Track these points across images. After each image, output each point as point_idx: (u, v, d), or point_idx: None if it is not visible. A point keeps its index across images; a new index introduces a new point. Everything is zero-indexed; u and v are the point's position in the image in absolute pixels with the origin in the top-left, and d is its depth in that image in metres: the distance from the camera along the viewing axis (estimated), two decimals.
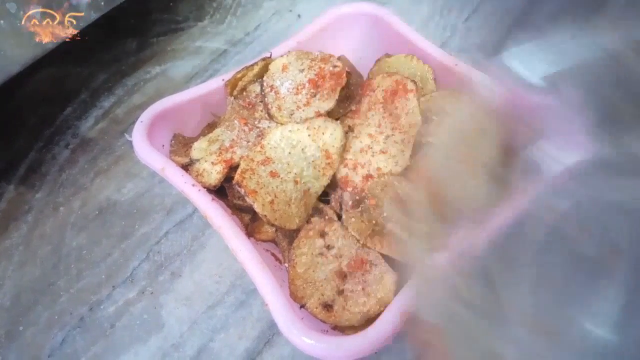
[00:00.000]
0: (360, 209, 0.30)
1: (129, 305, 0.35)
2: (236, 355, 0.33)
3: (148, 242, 0.39)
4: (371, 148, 0.32)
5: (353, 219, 0.30)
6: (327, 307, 0.27)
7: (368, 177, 0.31)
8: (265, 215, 0.29)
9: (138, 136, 0.33)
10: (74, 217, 0.41)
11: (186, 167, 0.33)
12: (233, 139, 0.33)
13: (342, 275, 0.28)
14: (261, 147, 0.31)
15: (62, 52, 0.44)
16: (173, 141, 0.35)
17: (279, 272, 0.29)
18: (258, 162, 0.31)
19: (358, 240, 0.29)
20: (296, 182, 0.30)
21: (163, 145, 0.34)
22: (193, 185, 0.30)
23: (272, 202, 0.29)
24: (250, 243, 0.28)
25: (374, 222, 0.30)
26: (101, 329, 0.34)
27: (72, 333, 0.34)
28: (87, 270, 0.38)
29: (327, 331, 0.27)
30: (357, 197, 0.31)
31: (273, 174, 0.30)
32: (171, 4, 0.59)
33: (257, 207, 0.29)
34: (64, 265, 0.38)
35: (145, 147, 0.32)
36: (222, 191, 0.33)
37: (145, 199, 0.42)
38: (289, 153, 0.31)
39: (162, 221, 0.40)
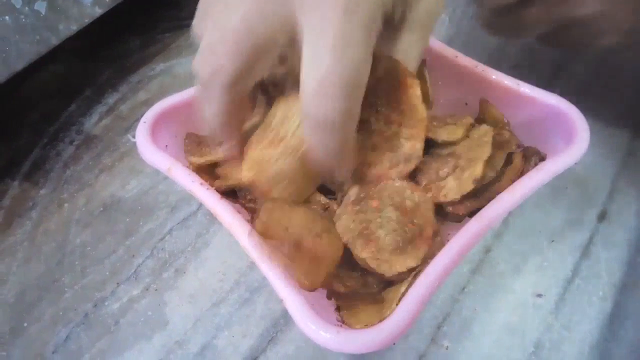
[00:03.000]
0: (358, 207, 0.30)
1: (133, 302, 0.35)
2: (240, 352, 0.33)
3: (152, 239, 0.39)
4: (381, 144, 0.32)
5: (344, 216, 0.29)
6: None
7: (380, 176, 0.31)
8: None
9: (142, 137, 0.32)
10: (79, 214, 0.41)
11: (204, 166, 0.32)
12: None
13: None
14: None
15: (66, 48, 0.45)
16: (187, 140, 0.35)
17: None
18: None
19: (340, 238, 0.29)
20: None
21: (167, 146, 0.34)
22: (201, 184, 0.30)
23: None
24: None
25: (364, 224, 0.29)
26: (105, 326, 0.34)
27: (76, 330, 0.34)
28: (91, 267, 0.38)
29: (341, 325, 0.27)
30: (362, 195, 0.30)
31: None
32: (176, 0, 0.59)
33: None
34: (68, 262, 0.38)
35: (150, 148, 0.32)
36: (232, 194, 0.32)
37: (149, 196, 0.42)
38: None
39: (167, 218, 0.40)
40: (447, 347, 0.32)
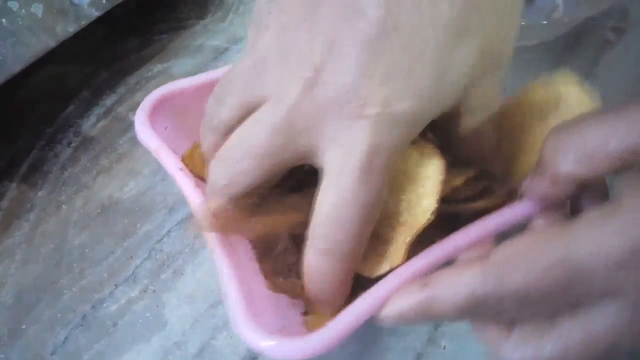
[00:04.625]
0: None
1: (132, 304, 0.35)
2: (238, 353, 0.33)
3: (150, 241, 0.39)
4: None
5: None
6: None
7: None
8: None
9: (140, 115, 0.32)
10: (76, 216, 0.41)
11: None
12: None
13: None
14: None
15: (64, 50, 0.44)
16: None
17: (253, 263, 0.28)
18: None
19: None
20: None
21: (166, 128, 0.34)
22: (180, 169, 0.30)
23: None
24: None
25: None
26: (104, 327, 0.34)
27: (74, 331, 0.34)
28: (89, 268, 0.38)
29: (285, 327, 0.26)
30: None
31: None
32: (173, 1, 0.59)
33: None
34: (67, 263, 0.38)
35: (144, 126, 0.32)
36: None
37: (147, 197, 0.42)
38: None
39: (164, 219, 0.40)
40: (445, 346, 0.32)
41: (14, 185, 0.43)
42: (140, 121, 0.32)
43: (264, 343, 0.23)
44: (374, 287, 0.24)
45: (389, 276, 0.24)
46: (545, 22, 0.48)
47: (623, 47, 0.50)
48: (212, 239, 0.27)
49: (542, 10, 0.52)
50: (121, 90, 0.50)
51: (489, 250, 0.23)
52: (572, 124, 0.20)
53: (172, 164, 0.31)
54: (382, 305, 0.23)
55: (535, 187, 0.23)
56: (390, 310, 0.22)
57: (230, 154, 0.24)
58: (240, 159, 0.23)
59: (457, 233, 0.25)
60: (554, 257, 0.18)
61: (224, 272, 0.25)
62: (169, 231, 0.39)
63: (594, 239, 0.17)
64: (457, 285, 0.20)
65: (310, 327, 0.26)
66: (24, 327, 0.35)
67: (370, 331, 0.33)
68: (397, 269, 0.24)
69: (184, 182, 0.30)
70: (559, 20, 0.49)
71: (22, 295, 0.36)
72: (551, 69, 0.48)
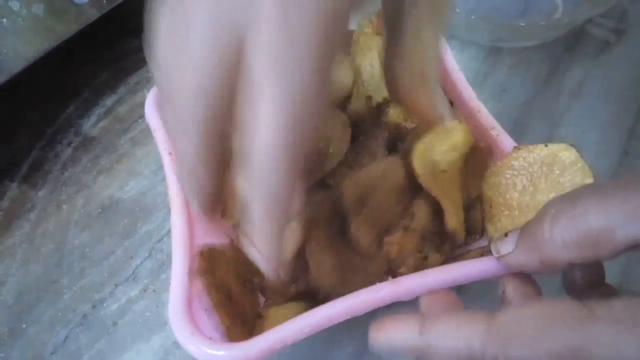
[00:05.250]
0: None
1: (132, 303, 0.36)
2: None
3: (150, 240, 0.39)
4: None
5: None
6: None
7: None
8: None
9: (153, 95, 0.34)
10: (77, 215, 0.41)
11: None
12: None
13: None
14: None
15: (64, 50, 0.45)
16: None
17: None
18: None
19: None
20: None
21: None
22: (170, 153, 0.31)
23: None
24: (186, 225, 0.28)
25: None
26: (104, 327, 0.35)
27: (74, 331, 0.34)
28: (89, 268, 0.38)
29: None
30: None
31: None
32: None
33: None
34: (67, 263, 0.38)
35: (152, 107, 0.33)
36: None
37: (147, 197, 0.42)
38: None
39: (165, 219, 0.40)
40: None
41: (14, 185, 0.43)
42: (150, 101, 0.33)
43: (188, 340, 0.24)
44: (302, 315, 0.24)
45: (323, 306, 0.24)
46: (544, 23, 0.48)
47: (622, 48, 0.50)
48: (179, 232, 0.27)
49: (542, 12, 0.52)
50: (122, 90, 0.50)
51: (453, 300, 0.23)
52: (571, 202, 0.19)
53: (163, 147, 0.31)
54: (305, 332, 0.24)
55: (519, 261, 0.22)
56: (385, 340, 0.21)
57: (177, 97, 0.21)
58: (177, 115, 0.21)
59: (415, 275, 0.24)
60: (567, 343, 0.17)
61: (175, 270, 0.26)
62: (169, 231, 0.39)
63: (615, 338, 0.16)
64: (456, 339, 0.19)
65: (230, 337, 0.25)
66: (24, 326, 0.35)
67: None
68: (338, 299, 0.24)
69: (169, 166, 0.30)
70: (558, 22, 0.49)
71: (23, 294, 0.37)
72: (551, 70, 0.48)
